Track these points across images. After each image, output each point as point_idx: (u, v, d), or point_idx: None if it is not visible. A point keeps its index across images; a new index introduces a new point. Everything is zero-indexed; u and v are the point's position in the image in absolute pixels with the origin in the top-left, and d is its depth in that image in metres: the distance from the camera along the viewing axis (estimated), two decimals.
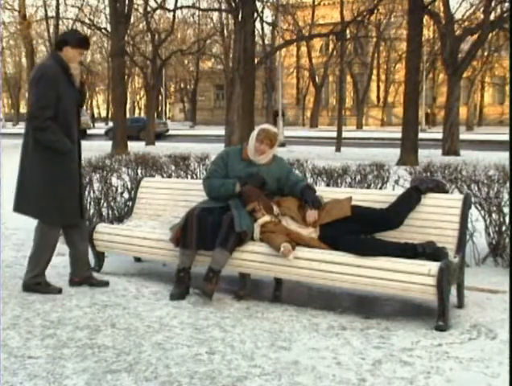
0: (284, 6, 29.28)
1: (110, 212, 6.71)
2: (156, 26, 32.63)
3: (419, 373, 3.11)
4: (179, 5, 29.17)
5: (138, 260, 5.46)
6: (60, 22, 31.13)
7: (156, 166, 6.88)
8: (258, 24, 30.82)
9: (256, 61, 21.68)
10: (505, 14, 18.98)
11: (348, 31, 27.77)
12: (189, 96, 56.65)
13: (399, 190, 4.70)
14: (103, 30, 29.96)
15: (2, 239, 6.22)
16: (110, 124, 37.02)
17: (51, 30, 31.71)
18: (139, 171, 6.89)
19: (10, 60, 51.30)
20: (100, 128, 44.24)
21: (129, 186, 6.67)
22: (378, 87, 49.83)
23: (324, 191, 4.77)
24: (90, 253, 4.85)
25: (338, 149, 21.95)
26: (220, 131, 27.57)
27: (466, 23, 22.91)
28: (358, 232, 4.18)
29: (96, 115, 60.70)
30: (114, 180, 6.78)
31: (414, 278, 3.72)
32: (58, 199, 4.37)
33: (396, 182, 5.75)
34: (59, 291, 4.45)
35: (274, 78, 33.48)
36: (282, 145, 22.55)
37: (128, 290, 4.58)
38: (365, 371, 3.14)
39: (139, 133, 30.80)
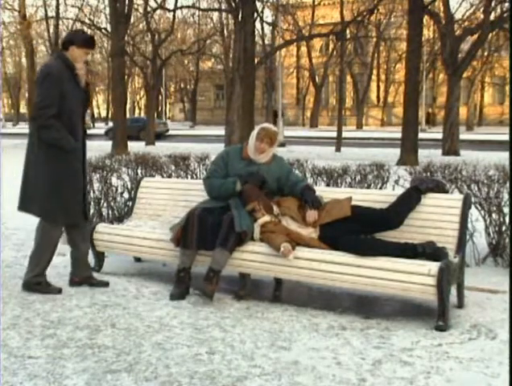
0: (284, 6, 29.26)
1: (110, 212, 6.71)
2: (156, 26, 32.63)
3: (419, 373, 3.11)
4: (179, 5, 29.25)
5: (138, 260, 5.46)
6: (60, 22, 31.19)
7: (156, 166, 6.88)
8: (258, 24, 30.86)
9: (256, 61, 21.68)
10: (505, 14, 18.99)
11: (348, 31, 27.78)
12: (189, 96, 56.66)
13: (399, 190, 4.70)
14: (103, 30, 29.93)
15: (2, 239, 6.22)
16: (110, 124, 37.06)
17: (51, 30, 31.65)
18: (139, 171, 6.89)
19: (10, 60, 51.25)
20: (100, 128, 44.25)
21: (129, 186, 6.68)
22: (378, 87, 49.83)
23: (324, 191, 4.77)
24: (90, 253, 4.85)
25: (338, 149, 21.97)
26: (220, 131, 27.56)
27: (466, 23, 22.93)
28: (358, 232, 4.18)
29: (96, 115, 60.76)
30: (114, 180, 6.78)
31: (414, 278, 3.72)
32: (62, 197, 4.37)
33: (396, 182, 5.75)
34: (60, 291, 4.45)
35: (274, 78, 33.42)
36: (282, 145, 22.55)
37: (128, 290, 4.58)
38: (365, 371, 3.14)
39: (139, 133, 30.84)
